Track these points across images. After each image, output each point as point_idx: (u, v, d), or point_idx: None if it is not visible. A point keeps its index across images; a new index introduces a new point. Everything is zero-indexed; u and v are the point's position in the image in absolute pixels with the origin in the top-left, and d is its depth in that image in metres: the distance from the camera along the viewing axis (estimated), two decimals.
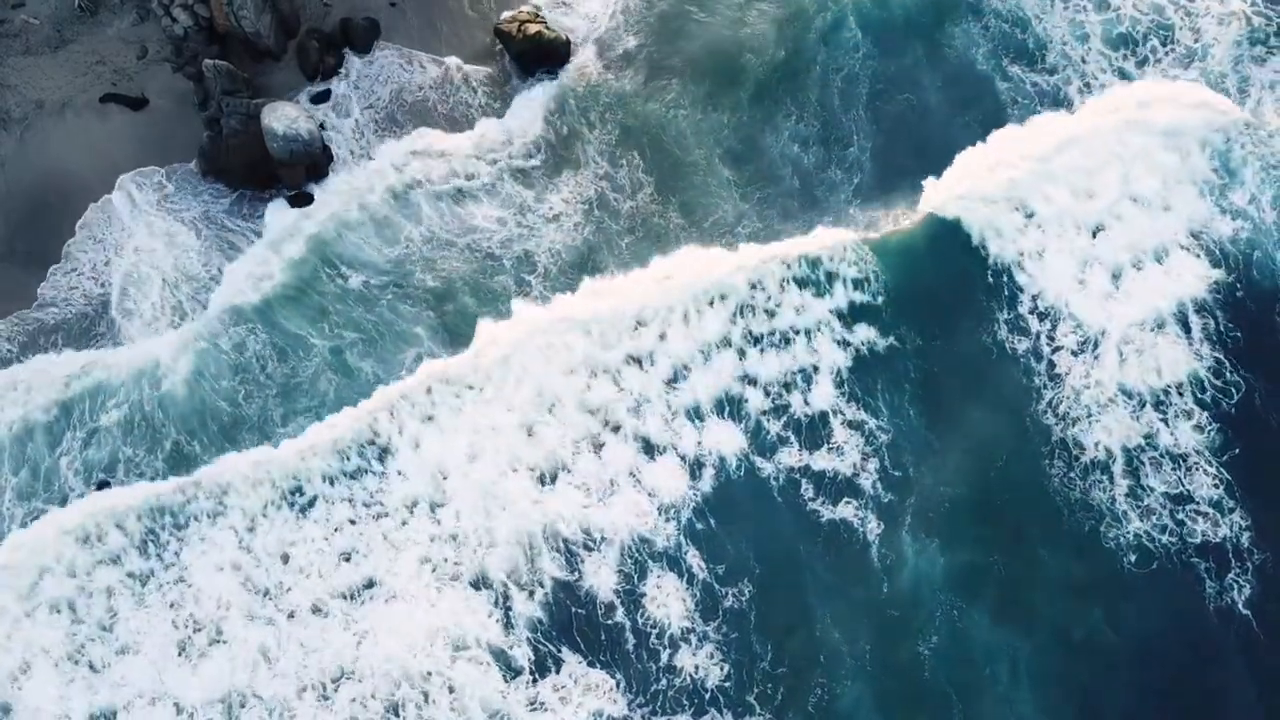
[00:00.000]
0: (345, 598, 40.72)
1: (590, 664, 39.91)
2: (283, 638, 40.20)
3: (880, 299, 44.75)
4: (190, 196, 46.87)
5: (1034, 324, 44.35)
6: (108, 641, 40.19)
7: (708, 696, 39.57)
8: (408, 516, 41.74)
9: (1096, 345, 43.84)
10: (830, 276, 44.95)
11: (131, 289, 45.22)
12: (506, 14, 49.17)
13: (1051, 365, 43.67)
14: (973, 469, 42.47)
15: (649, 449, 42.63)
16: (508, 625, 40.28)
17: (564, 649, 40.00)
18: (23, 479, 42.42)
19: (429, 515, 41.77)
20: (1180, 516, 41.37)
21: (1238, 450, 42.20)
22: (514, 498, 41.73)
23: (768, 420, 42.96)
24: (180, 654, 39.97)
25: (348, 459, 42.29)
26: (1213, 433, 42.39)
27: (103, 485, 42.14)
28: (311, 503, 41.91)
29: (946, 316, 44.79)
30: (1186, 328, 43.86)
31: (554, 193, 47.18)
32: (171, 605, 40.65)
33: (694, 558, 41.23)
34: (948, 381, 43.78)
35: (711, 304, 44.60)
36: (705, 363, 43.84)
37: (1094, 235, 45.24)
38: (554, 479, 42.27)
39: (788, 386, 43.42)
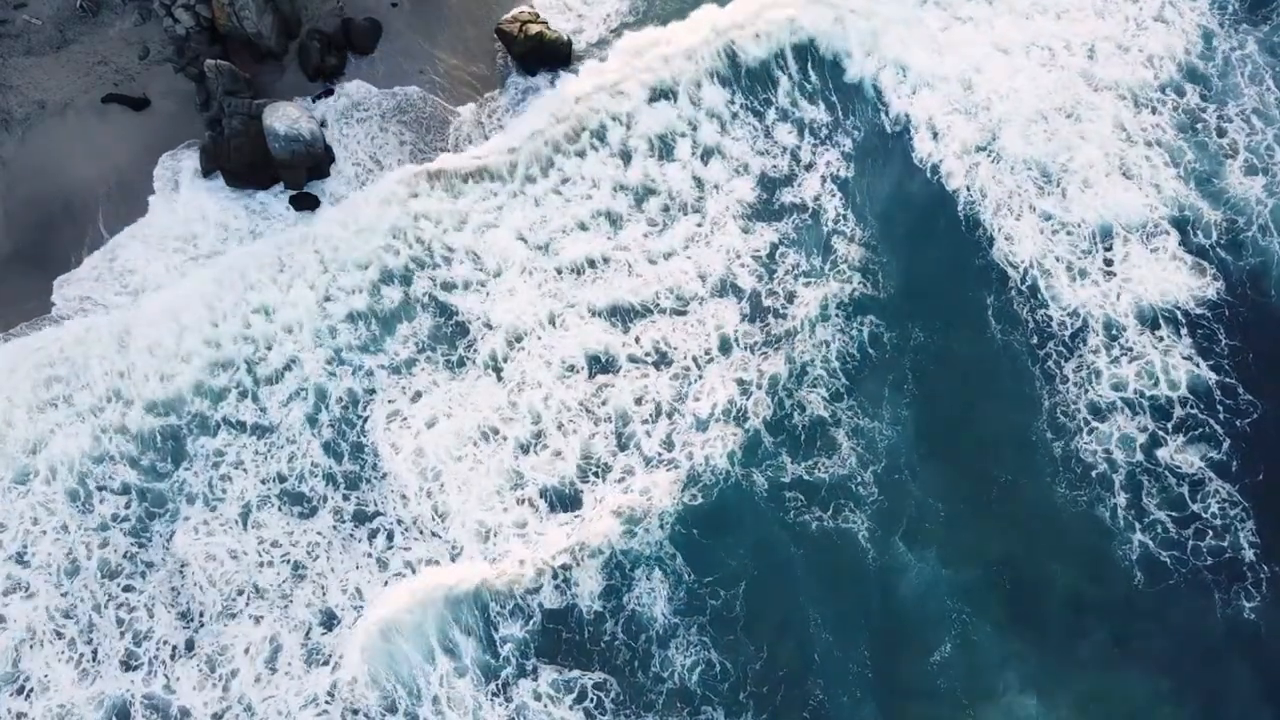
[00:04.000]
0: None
1: (581, 669, 39.95)
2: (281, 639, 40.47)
3: None
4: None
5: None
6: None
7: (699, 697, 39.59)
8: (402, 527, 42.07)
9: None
10: None
11: None
12: (508, 14, 49.22)
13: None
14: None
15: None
16: (491, 629, 40.38)
17: (553, 658, 39.98)
18: None
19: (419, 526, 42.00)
20: (1185, 531, 40.95)
21: (1244, 462, 41.82)
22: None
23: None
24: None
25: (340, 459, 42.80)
26: (1215, 440, 42.21)
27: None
28: (313, 511, 42.22)
29: None
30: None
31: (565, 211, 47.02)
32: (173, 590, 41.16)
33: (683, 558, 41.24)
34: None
35: None
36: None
37: None
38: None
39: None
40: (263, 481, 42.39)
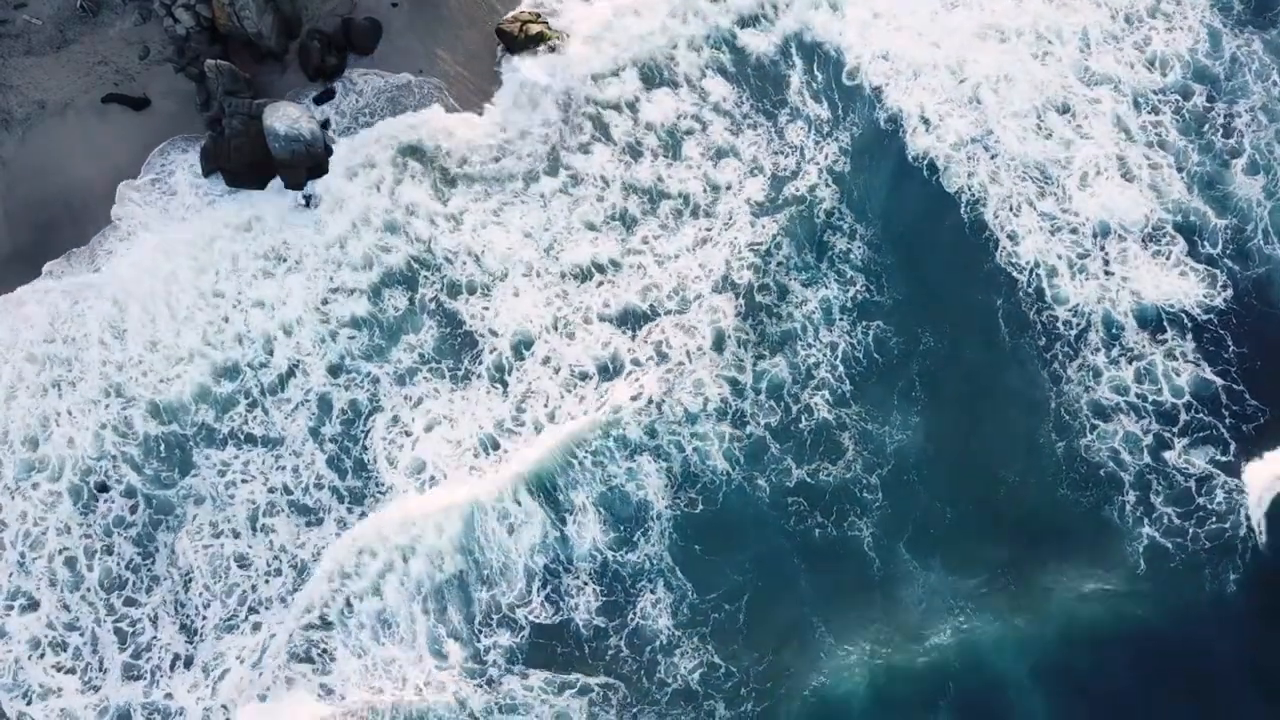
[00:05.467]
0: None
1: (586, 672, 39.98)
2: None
3: None
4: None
5: None
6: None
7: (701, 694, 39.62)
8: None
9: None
10: None
11: None
12: (508, 14, 49.01)
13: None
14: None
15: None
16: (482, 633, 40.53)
17: (547, 664, 40.11)
18: None
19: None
20: (1187, 523, 40.94)
21: (1249, 461, 41.80)
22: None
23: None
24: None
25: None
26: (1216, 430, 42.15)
27: (102, 487, 42.20)
28: (319, 520, 42.23)
29: None
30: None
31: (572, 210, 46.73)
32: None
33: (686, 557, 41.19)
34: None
35: None
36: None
37: None
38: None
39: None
40: (270, 491, 42.31)
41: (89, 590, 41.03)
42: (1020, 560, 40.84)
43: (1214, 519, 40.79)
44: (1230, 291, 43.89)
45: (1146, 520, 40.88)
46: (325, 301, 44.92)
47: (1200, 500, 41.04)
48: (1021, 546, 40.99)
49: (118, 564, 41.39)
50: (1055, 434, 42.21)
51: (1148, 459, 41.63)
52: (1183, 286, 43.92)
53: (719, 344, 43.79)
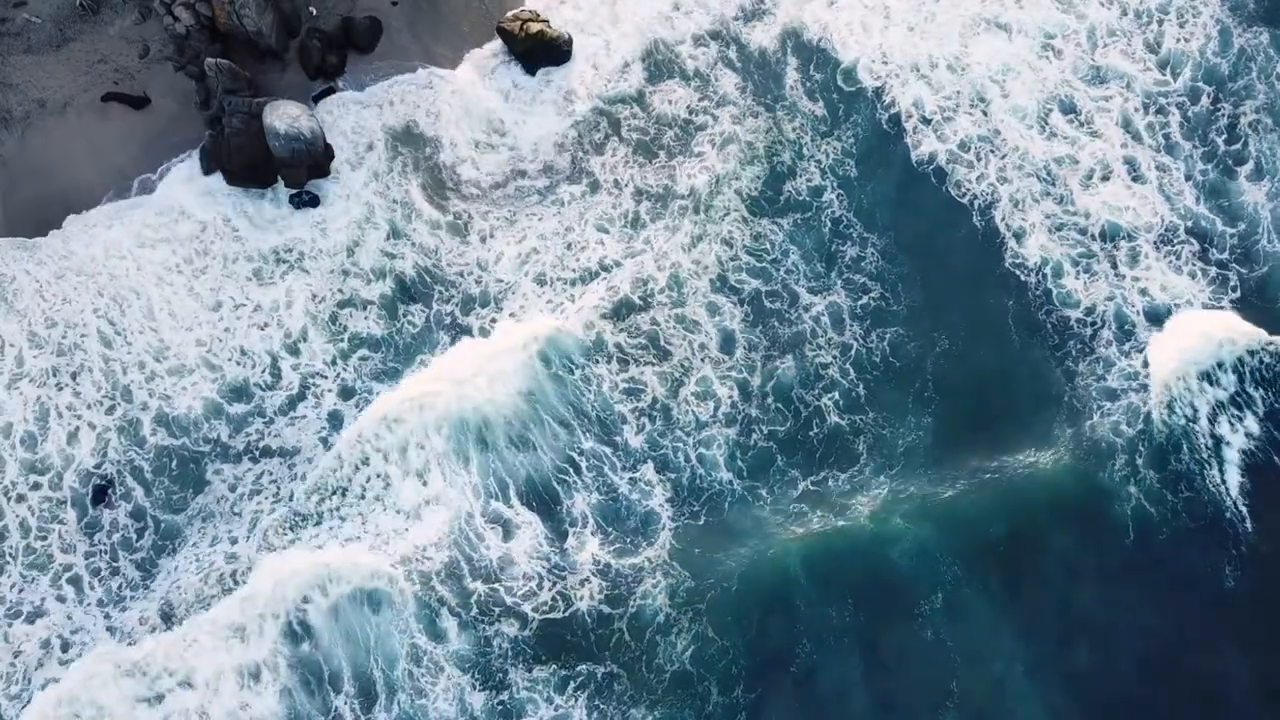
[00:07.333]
0: None
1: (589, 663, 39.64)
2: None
3: None
4: None
5: None
6: None
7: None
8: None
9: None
10: None
11: None
12: (508, 13, 48.77)
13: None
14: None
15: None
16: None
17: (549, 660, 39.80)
18: None
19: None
20: (1180, 504, 40.89)
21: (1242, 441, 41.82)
22: None
23: None
24: None
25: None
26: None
27: (100, 491, 42.14)
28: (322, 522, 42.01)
29: None
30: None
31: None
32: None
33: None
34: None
35: None
36: None
37: None
38: None
39: None
40: (276, 502, 41.93)
41: (89, 606, 40.55)
42: (1021, 548, 40.70)
43: (1205, 507, 40.86)
44: (1239, 295, 43.76)
45: (1133, 482, 40.92)
46: (334, 318, 44.45)
47: (1196, 478, 41.25)
48: (1024, 535, 40.81)
49: (120, 585, 40.88)
50: (1067, 424, 42.28)
51: (1141, 425, 41.71)
52: (1192, 289, 43.78)
53: (727, 345, 43.61)
